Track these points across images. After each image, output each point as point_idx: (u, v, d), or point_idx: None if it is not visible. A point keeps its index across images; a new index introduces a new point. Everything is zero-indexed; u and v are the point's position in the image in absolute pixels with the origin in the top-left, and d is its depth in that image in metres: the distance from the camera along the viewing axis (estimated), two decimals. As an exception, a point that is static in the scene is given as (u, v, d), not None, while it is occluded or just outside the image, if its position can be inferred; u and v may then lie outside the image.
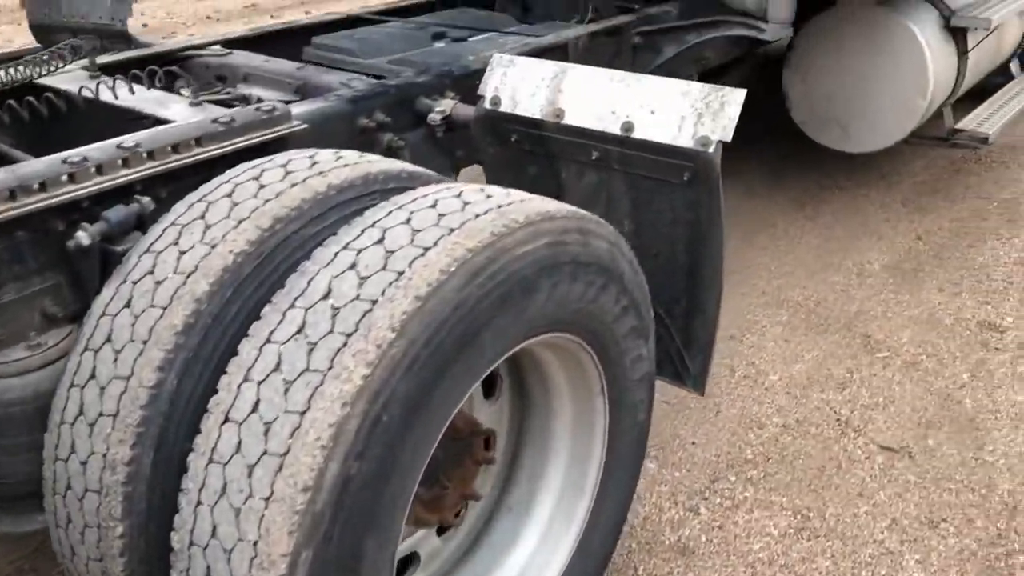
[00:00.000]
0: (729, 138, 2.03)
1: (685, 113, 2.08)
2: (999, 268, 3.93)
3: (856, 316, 3.60)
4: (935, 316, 3.58)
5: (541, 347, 1.85)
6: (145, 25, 8.73)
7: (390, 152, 2.45)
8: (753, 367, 3.29)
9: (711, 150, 2.04)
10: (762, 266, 4.02)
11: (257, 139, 2.07)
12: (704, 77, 4.49)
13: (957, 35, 4.04)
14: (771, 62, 4.38)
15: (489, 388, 2.06)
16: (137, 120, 2.30)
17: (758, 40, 3.34)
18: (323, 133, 2.29)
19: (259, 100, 2.66)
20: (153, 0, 9.81)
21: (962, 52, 4.07)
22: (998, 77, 5.01)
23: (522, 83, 2.32)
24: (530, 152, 2.40)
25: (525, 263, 1.58)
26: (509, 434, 2.13)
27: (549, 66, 2.30)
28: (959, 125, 4.20)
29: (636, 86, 2.17)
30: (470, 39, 3.37)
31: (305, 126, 2.16)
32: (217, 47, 3.01)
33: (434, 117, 2.46)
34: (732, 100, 2.03)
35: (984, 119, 4.27)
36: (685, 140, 2.08)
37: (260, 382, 1.42)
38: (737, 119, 2.03)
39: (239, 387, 1.44)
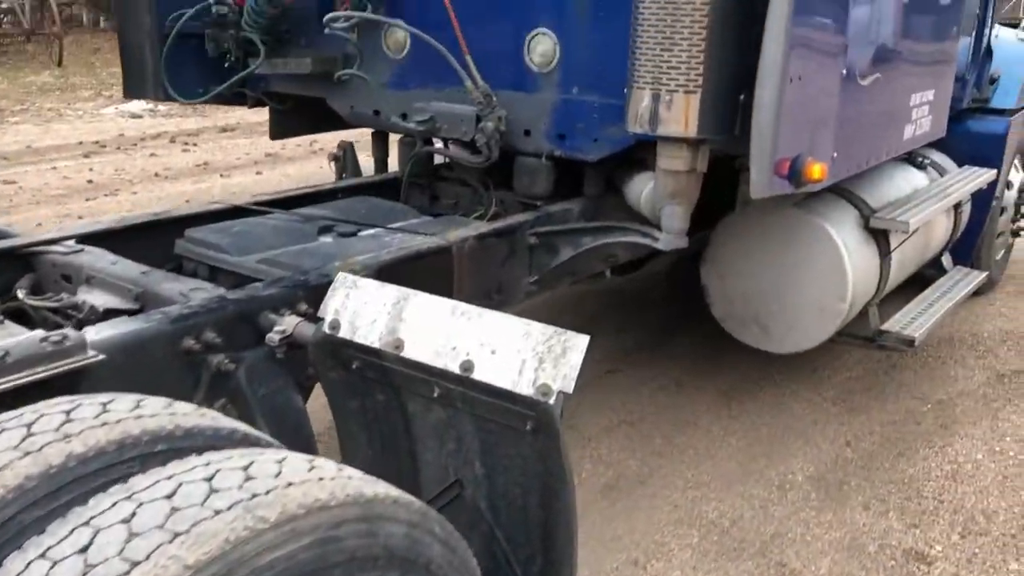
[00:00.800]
0: (570, 389, 1.79)
1: (526, 356, 1.85)
2: (930, 483, 3.66)
3: (773, 539, 3.29)
4: (858, 541, 3.28)
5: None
6: (90, 181, 8.66)
7: (219, 376, 2.20)
8: (653, 603, 2.96)
9: (551, 401, 1.80)
10: (678, 474, 3.73)
11: (37, 376, 1.81)
12: (624, 268, 4.36)
13: (878, 235, 3.92)
14: (693, 255, 4.23)
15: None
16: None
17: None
18: (134, 360, 2.05)
19: (91, 309, 2.45)
20: (103, 156, 9.81)
21: (884, 253, 3.94)
22: (930, 269, 4.90)
23: (363, 308, 2.10)
24: (374, 380, 2.15)
25: (273, 574, 1.29)
26: None
27: (391, 291, 2.08)
28: (885, 326, 4.03)
29: (478, 321, 1.95)
30: (360, 233, 3.19)
31: (102, 357, 1.91)
32: (71, 242, 2.80)
33: (272, 337, 2.22)
34: (575, 346, 1.81)
35: (911, 319, 4.10)
36: (525, 387, 1.84)
37: None
38: (579, 367, 1.80)
39: None
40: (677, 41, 2.58)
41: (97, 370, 1.92)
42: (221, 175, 9.12)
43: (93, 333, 2.00)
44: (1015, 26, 6.97)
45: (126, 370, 2.02)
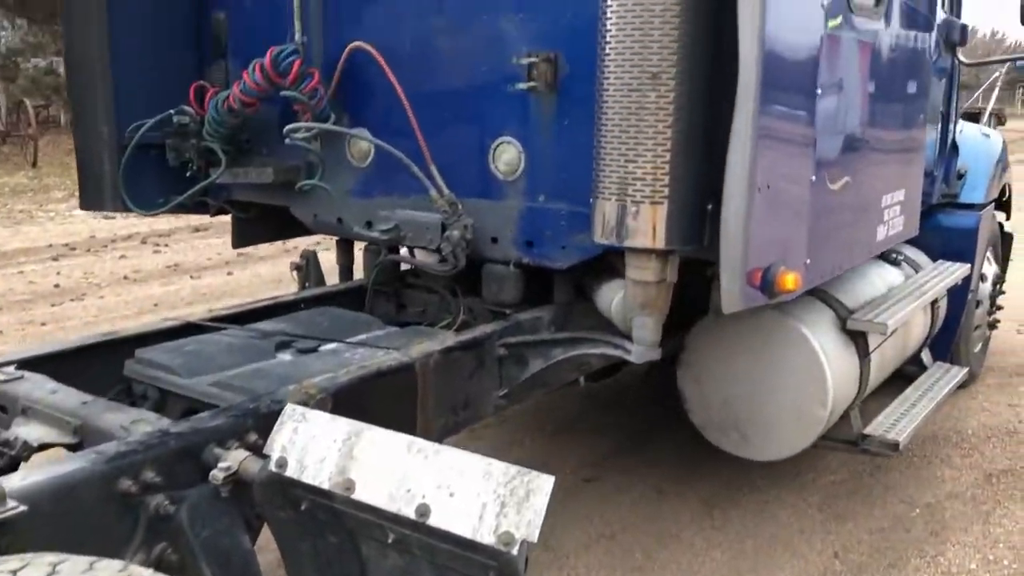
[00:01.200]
0: (535, 538, 1.65)
1: (487, 500, 1.71)
2: (924, 598, 3.50)
3: (762, 667, 3.10)
4: (853, 667, 3.09)
5: None
6: (57, 286, 8.50)
7: (158, 519, 2.03)
8: None
9: (514, 551, 1.66)
10: (660, 594, 3.54)
11: (-54, 536, 1.65)
12: (598, 375, 4.24)
13: (857, 337, 3.83)
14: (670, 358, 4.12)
15: None
16: None
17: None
18: (63, 508, 1.88)
19: (24, 445, 2.29)
20: (72, 259, 9.69)
21: (863, 355, 3.84)
22: (911, 366, 4.81)
23: (312, 443, 1.96)
24: (325, 522, 2.00)
25: None
26: None
27: (343, 426, 1.95)
28: (868, 430, 3.90)
29: (434, 459, 1.81)
30: (321, 349, 3.05)
31: (23, 509, 1.75)
32: (11, 368, 2.64)
33: (216, 475, 2.06)
34: (539, 488, 1.67)
35: (894, 422, 3.98)
36: (486, 535, 1.69)
37: None
38: (544, 512, 1.66)
39: None
40: (641, 152, 2.51)
41: (19, 522, 1.76)
42: (191, 276, 8.99)
43: (16, 480, 1.84)
44: (976, 117, 7.08)
45: (54, 519, 1.86)
